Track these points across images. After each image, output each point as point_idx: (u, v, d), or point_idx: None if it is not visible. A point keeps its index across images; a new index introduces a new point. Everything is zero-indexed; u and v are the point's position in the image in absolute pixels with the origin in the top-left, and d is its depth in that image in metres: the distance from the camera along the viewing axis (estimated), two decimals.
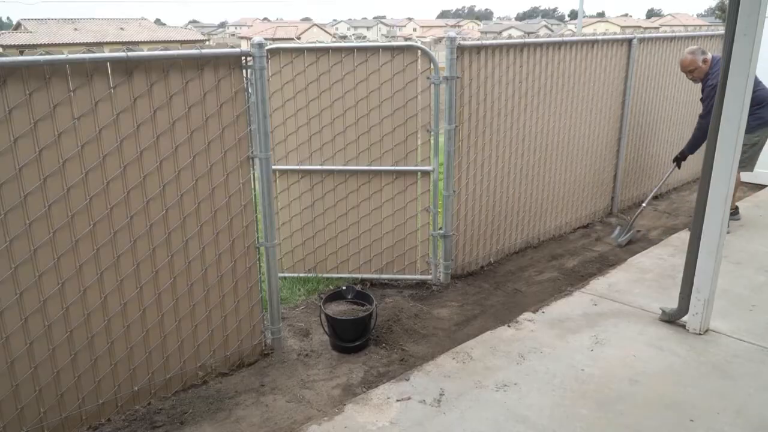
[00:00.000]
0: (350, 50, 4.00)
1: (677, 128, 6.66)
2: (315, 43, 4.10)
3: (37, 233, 2.59)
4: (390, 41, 4.31)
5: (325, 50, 4.00)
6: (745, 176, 6.90)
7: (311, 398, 3.12)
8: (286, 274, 4.47)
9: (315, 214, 4.35)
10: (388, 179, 4.25)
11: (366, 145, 4.17)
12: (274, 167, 3.97)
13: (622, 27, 64.39)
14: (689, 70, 5.08)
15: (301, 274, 4.48)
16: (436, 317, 3.98)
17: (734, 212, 5.48)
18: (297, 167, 4.23)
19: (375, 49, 4.01)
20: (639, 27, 64.87)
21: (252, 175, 3.21)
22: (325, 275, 4.47)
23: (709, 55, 5.05)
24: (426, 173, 4.27)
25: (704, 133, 4.84)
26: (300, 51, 4.00)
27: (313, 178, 4.27)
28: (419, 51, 4.04)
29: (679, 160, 5.52)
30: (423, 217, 4.41)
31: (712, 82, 4.93)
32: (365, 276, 4.48)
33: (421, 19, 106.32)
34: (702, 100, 5.17)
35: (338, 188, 4.27)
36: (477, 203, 4.62)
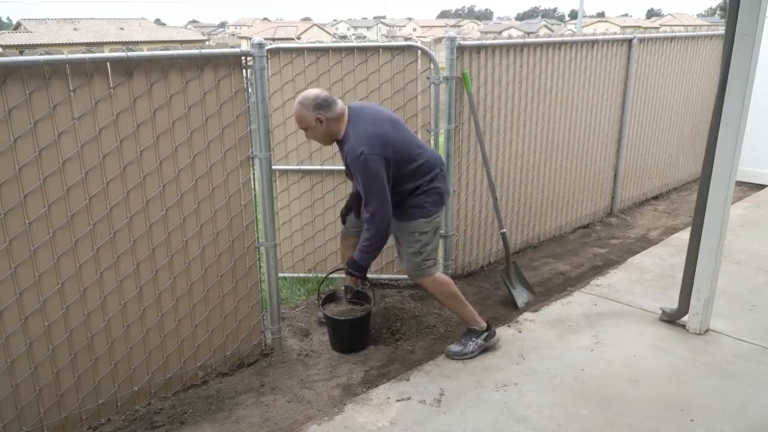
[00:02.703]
0: (350, 50, 4.00)
1: (677, 128, 6.67)
2: (315, 43, 4.10)
3: (37, 233, 2.58)
4: (390, 41, 4.31)
5: (325, 50, 4.00)
6: (745, 176, 6.92)
7: (311, 398, 3.12)
8: (286, 274, 4.47)
9: (315, 214, 4.34)
10: None
11: None
12: (274, 167, 3.97)
13: (622, 27, 64.41)
14: (303, 129, 3.13)
15: (301, 274, 4.48)
16: (436, 317, 3.98)
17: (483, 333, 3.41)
18: (297, 167, 4.23)
19: (375, 49, 4.00)
20: (639, 27, 64.92)
21: (252, 175, 3.21)
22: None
23: (336, 109, 3.03)
24: None
25: (381, 235, 3.11)
26: (300, 51, 4.00)
27: (313, 178, 4.27)
28: (419, 51, 4.03)
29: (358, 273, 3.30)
30: None
31: (350, 156, 3.02)
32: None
33: (421, 19, 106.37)
34: (349, 174, 3.19)
35: (338, 188, 4.27)
36: (477, 203, 4.62)
